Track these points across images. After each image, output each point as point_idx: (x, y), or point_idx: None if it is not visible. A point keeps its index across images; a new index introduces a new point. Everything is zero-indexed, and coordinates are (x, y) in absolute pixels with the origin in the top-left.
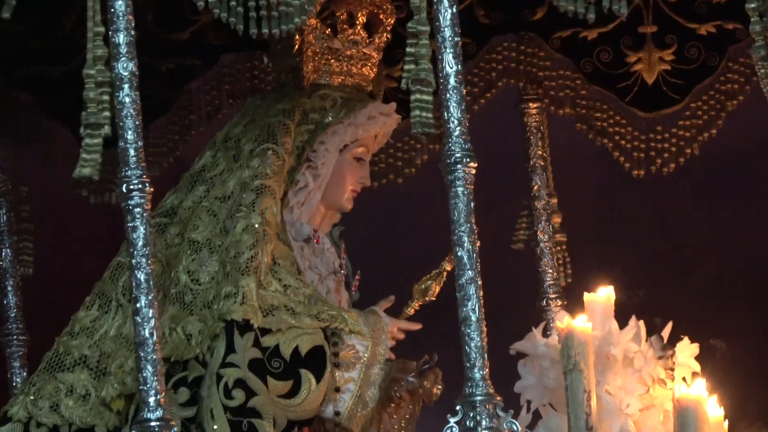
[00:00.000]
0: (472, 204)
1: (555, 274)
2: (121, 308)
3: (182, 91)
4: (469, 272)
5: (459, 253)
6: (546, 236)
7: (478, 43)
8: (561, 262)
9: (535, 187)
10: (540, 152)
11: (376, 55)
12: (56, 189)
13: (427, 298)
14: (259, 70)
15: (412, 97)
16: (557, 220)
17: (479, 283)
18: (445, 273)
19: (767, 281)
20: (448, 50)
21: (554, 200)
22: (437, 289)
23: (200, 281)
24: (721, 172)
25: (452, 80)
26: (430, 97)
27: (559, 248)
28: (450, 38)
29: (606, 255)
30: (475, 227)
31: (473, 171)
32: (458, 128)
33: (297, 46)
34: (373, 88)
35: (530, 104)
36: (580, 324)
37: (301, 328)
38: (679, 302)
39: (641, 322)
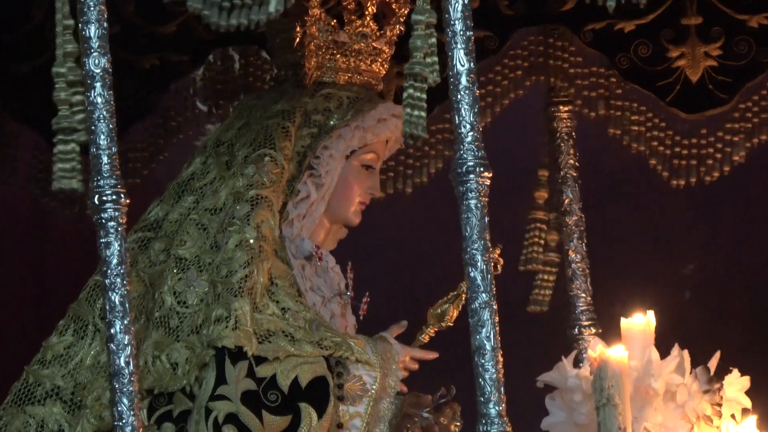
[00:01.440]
0: (487, 219)
1: (588, 298)
2: (99, 333)
3: (167, 91)
4: (483, 295)
5: (471, 274)
6: (578, 256)
7: (499, 37)
8: (547, 283)
9: (566, 201)
10: (572, 161)
11: (387, 50)
12: (21, 199)
13: (443, 324)
14: (255, 66)
15: (404, 93)
16: (554, 237)
17: (494, 307)
18: (463, 295)
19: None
20: (459, 45)
21: (554, 216)
22: (455, 314)
23: (187, 303)
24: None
25: (464, 79)
26: (423, 95)
27: (551, 269)
28: (461, 32)
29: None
30: (489, 245)
31: (487, 182)
32: (471, 133)
33: (298, 40)
34: (382, 87)
35: (561, 107)
36: (615, 353)
37: (301, 356)
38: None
39: (685, 352)
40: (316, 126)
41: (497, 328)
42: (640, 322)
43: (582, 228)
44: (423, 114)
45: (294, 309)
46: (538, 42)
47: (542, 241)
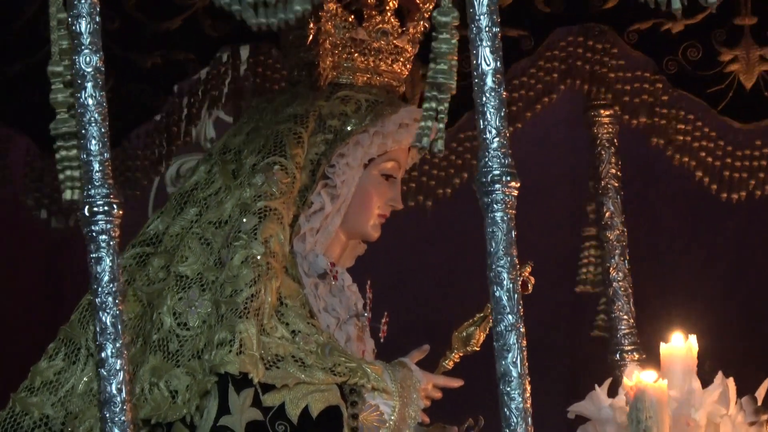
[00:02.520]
0: (514, 233)
1: (631, 320)
2: (92, 358)
3: (171, 93)
4: (510, 317)
5: (497, 294)
6: (620, 274)
7: (535, 36)
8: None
9: (607, 214)
10: (613, 171)
11: (410, 49)
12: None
13: (469, 348)
14: (267, 66)
15: (424, 105)
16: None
17: (522, 330)
18: (491, 317)
19: None
20: (484, 43)
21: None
22: (482, 337)
23: (188, 325)
24: None
25: (489, 80)
26: (445, 107)
27: (597, 289)
28: (487, 28)
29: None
30: (517, 261)
31: (515, 192)
32: (497, 139)
33: (311, 37)
34: (406, 91)
35: (601, 111)
36: (653, 381)
37: (313, 384)
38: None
39: (730, 380)
40: (331, 132)
41: (525, 353)
42: (681, 347)
43: (624, 243)
44: (441, 126)
45: (305, 332)
46: (577, 43)
47: (597, 260)
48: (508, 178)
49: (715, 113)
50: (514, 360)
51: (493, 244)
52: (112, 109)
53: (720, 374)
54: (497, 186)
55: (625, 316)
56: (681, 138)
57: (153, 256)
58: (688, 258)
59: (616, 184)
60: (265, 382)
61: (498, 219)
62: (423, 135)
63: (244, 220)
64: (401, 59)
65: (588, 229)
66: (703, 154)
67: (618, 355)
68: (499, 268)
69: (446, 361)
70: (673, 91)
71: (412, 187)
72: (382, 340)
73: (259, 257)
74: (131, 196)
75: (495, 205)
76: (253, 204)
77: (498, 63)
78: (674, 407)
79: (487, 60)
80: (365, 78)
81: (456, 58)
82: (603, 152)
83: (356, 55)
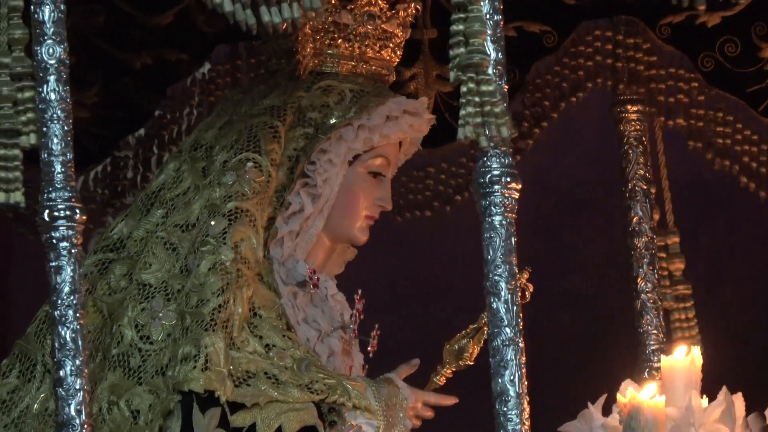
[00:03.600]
0: (514, 239)
1: (661, 335)
2: (49, 375)
3: (163, 96)
4: (507, 330)
5: (494, 305)
6: (649, 285)
7: (560, 31)
8: (687, 323)
9: (634, 219)
10: (641, 172)
11: (400, 34)
12: None
13: (462, 362)
14: (268, 67)
15: (462, 89)
16: (680, 266)
17: (521, 345)
18: (485, 329)
19: None
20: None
21: (675, 239)
22: (476, 351)
23: (152, 339)
24: None
25: (490, 72)
26: (492, 87)
27: (685, 304)
28: (488, 15)
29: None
30: (516, 270)
31: (515, 194)
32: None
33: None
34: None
35: (628, 107)
36: (648, 397)
37: (287, 402)
38: None
39: (738, 395)
40: (311, 125)
41: (524, 370)
42: (683, 360)
43: (653, 251)
44: (492, 109)
45: (280, 346)
46: (605, 38)
47: (664, 273)
48: (509, 179)
49: (755, 114)
50: (512, 378)
51: (491, 251)
52: (101, 114)
53: (724, 390)
54: (496, 187)
55: (654, 331)
56: (721, 141)
57: (115, 263)
58: (728, 268)
59: (644, 187)
60: (233, 400)
61: (496, 224)
62: (466, 125)
63: (213, 222)
64: (390, 45)
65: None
66: (747, 158)
67: (647, 373)
68: (496, 277)
69: (437, 377)
70: (710, 90)
71: (428, 196)
72: (371, 355)
73: (228, 263)
74: (123, 207)
75: (493, 208)
76: (223, 205)
77: (500, 54)
78: (671, 425)
79: (487, 50)
80: (350, 66)
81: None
82: (630, 152)
83: (340, 40)
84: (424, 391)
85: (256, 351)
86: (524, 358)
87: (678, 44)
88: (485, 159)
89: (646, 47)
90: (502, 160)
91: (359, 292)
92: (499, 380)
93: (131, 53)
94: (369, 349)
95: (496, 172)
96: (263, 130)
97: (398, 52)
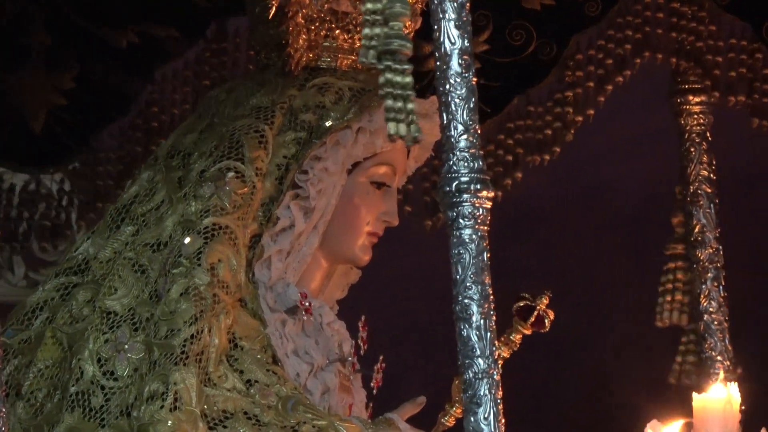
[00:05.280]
0: (486, 255)
1: (727, 362)
2: None
3: (152, 80)
4: (480, 362)
5: (464, 332)
6: (714, 304)
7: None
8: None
9: (697, 227)
10: (705, 173)
11: (408, 23)
12: None
13: None
14: (257, 61)
15: (380, 79)
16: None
17: (496, 378)
18: (500, 362)
19: None
20: (447, 15)
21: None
22: None
23: (116, 375)
24: None
25: (455, 64)
26: (409, 79)
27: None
28: None
29: None
30: (490, 291)
31: (487, 204)
32: (464, 137)
33: (273, 10)
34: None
35: (690, 97)
36: None
37: None
38: None
39: None
40: (304, 128)
41: (500, 407)
42: (719, 399)
43: (719, 264)
44: (410, 106)
45: (264, 382)
46: (656, 5)
47: (686, 286)
48: (479, 186)
49: None
50: (486, 416)
51: (460, 270)
52: (79, 101)
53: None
54: (465, 196)
55: (719, 357)
56: None
57: (79, 288)
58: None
59: (710, 190)
60: None
61: (466, 238)
62: (392, 120)
63: (186, 241)
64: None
65: (673, 247)
66: None
67: None
68: (466, 300)
69: (446, 417)
70: None
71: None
72: (374, 392)
73: (202, 288)
74: (105, 209)
75: (462, 220)
76: (199, 221)
77: (465, 41)
78: None
79: (451, 37)
80: (350, 61)
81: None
82: (693, 149)
83: (338, 31)
84: None
85: (235, 388)
86: (500, 393)
87: (739, 12)
88: (451, 164)
89: (702, 16)
90: (471, 164)
91: (363, 318)
92: (472, 418)
93: (114, 30)
94: (372, 384)
95: (464, 179)
96: (247, 135)
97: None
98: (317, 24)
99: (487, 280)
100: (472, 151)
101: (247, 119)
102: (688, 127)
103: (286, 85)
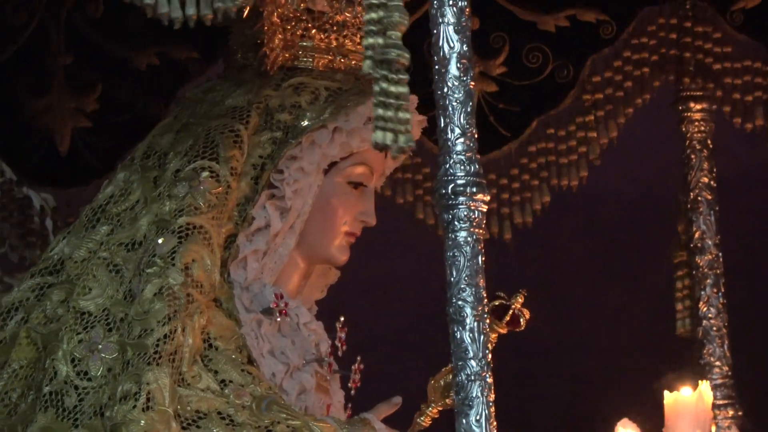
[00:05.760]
0: (481, 258)
1: (726, 368)
2: None
3: (173, 98)
4: (473, 363)
5: (458, 334)
6: (713, 310)
7: (618, 21)
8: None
9: (697, 234)
10: (705, 179)
11: None
12: None
13: (449, 401)
14: (235, 62)
15: (374, 88)
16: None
17: (489, 380)
18: None
19: None
20: (447, 20)
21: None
22: None
23: (90, 375)
24: None
25: (453, 68)
26: (405, 89)
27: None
28: (451, 1)
29: None
30: (484, 294)
31: (483, 207)
32: (461, 141)
33: (248, 10)
34: None
35: (691, 104)
36: None
37: None
38: None
39: None
40: (280, 128)
41: (492, 409)
42: (689, 397)
43: (719, 271)
44: (408, 117)
45: (238, 382)
46: (670, 27)
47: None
48: (475, 190)
49: None
50: (478, 418)
51: (454, 272)
52: (102, 122)
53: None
54: (461, 199)
55: (718, 362)
56: None
57: (54, 288)
58: None
59: (710, 197)
60: None
61: (461, 240)
62: (380, 129)
63: (160, 240)
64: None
65: (680, 254)
66: None
67: None
68: (460, 302)
69: (422, 417)
70: None
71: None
72: (352, 392)
73: (176, 288)
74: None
75: (457, 223)
76: (173, 221)
77: (464, 46)
78: None
79: (450, 41)
80: (326, 60)
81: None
82: (693, 156)
83: (314, 31)
84: None
85: (209, 388)
86: (492, 395)
87: (752, 32)
88: (447, 167)
89: (717, 37)
90: (468, 167)
91: (341, 319)
92: (464, 420)
93: (135, 51)
94: (350, 385)
95: (460, 182)
96: (222, 135)
97: None
98: (293, 23)
99: (482, 283)
100: (469, 154)
101: (222, 119)
102: (689, 134)
103: (263, 85)
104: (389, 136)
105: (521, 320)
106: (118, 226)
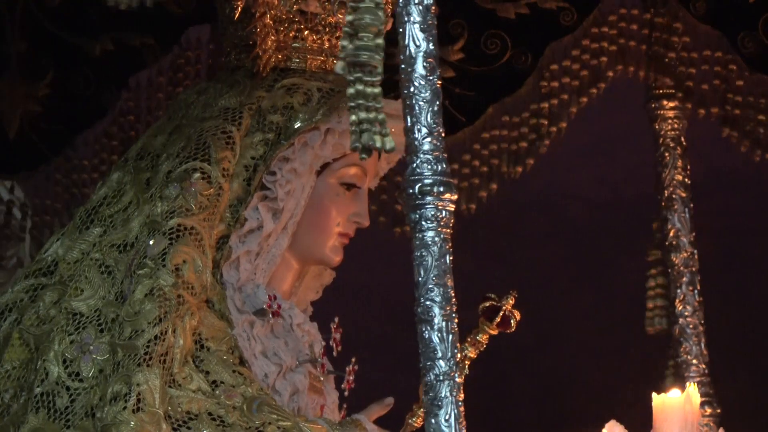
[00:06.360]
0: (449, 257)
1: (702, 366)
2: None
3: (126, 88)
4: (441, 363)
5: (426, 334)
6: (689, 308)
7: (578, 9)
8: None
9: (672, 232)
10: (679, 177)
11: None
12: None
13: None
14: (227, 63)
15: (348, 91)
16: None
17: (458, 380)
18: (467, 363)
19: None
20: (413, 18)
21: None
22: None
23: (81, 376)
24: None
25: (419, 67)
26: (378, 91)
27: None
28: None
29: None
30: (452, 293)
31: (450, 207)
32: (428, 140)
33: (239, 10)
34: None
35: (664, 102)
36: None
37: None
38: None
39: None
40: (272, 130)
41: (461, 409)
42: (677, 398)
43: (694, 269)
44: (380, 117)
45: (229, 383)
46: (631, 17)
47: (665, 291)
48: (442, 189)
49: None
50: (447, 417)
51: (422, 272)
52: (53, 108)
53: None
54: (428, 198)
55: (695, 361)
56: (762, 131)
57: (47, 289)
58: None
59: (684, 195)
60: None
61: (428, 240)
62: (357, 132)
63: (151, 242)
64: None
65: (653, 252)
66: None
67: None
68: (428, 302)
69: (414, 419)
70: (751, 74)
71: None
72: (346, 393)
73: (167, 289)
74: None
75: (424, 223)
76: (164, 222)
77: (430, 44)
78: None
79: (416, 40)
80: (319, 61)
81: (378, 30)
82: (667, 154)
83: (307, 32)
84: None
85: (200, 389)
86: (462, 395)
87: (714, 23)
88: (414, 166)
89: (677, 27)
90: (435, 166)
91: (336, 320)
92: (433, 420)
93: (89, 38)
94: (344, 386)
95: (427, 181)
96: (214, 136)
97: None
98: (286, 25)
99: (450, 283)
100: (436, 153)
101: (214, 120)
102: (662, 132)
103: (255, 87)
104: (365, 137)
105: (512, 321)
106: (111, 227)
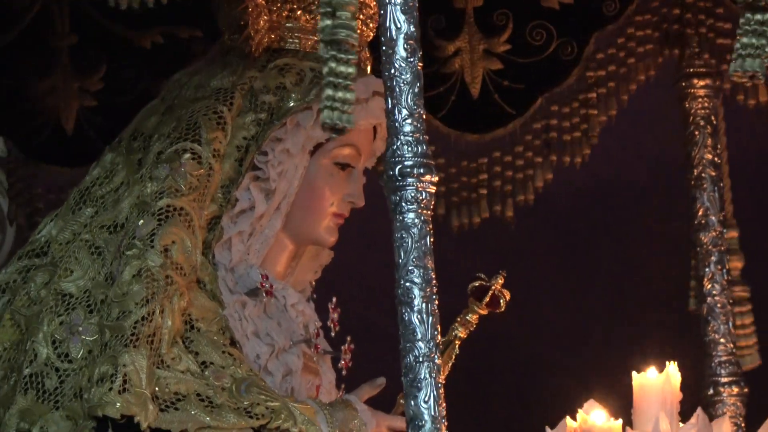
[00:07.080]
0: (430, 239)
1: (730, 345)
2: None
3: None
4: (421, 345)
5: (406, 316)
6: (717, 287)
7: None
8: (742, 330)
9: (701, 211)
10: (709, 156)
11: (373, 4)
12: None
13: None
14: (221, 44)
15: (323, 69)
16: (737, 264)
17: (437, 362)
18: (457, 342)
19: None
20: (394, 0)
21: (733, 233)
22: (446, 368)
23: (71, 357)
24: None
25: (400, 49)
26: (352, 69)
27: (741, 308)
28: None
29: None
30: (433, 275)
31: (431, 189)
32: (409, 122)
33: None
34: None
35: (695, 81)
36: (600, 420)
37: (221, 428)
38: None
39: (724, 418)
40: (265, 110)
41: (441, 391)
42: (656, 378)
43: (722, 248)
44: (351, 97)
45: (219, 364)
46: (672, 2)
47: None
48: (422, 171)
49: None
50: (426, 399)
51: (402, 254)
52: (107, 102)
53: (700, 411)
54: (409, 180)
55: (723, 340)
56: None
57: (39, 270)
58: None
59: (713, 173)
60: (157, 427)
61: (409, 222)
62: (328, 108)
63: (140, 223)
64: (361, 16)
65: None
66: None
67: (712, 389)
68: (408, 284)
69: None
70: None
71: (483, 195)
72: (344, 373)
73: (154, 270)
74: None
75: (405, 204)
76: (154, 203)
77: (411, 26)
78: None
79: (397, 22)
80: (312, 41)
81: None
82: (697, 132)
83: (299, 12)
84: (391, 414)
85: (188, 370)
86: (442, 377)
87: (755, 9)
88: (395, 148)
89: (719, 12)
90: (416, 148)
91: (333, 300)
92: (412, 402)
93: (139, 31)
94: (340, 365)
95: (408, 163)
96: (205, 116)
97: (371, 25)
98: (279, 4)
99: (430, 265)
100: (417, 135)
101: (206, 101)
102: (692, 111)
103: (247, 67)
104: (336, 115)
105: (501, 301)
106: (102, 208)
